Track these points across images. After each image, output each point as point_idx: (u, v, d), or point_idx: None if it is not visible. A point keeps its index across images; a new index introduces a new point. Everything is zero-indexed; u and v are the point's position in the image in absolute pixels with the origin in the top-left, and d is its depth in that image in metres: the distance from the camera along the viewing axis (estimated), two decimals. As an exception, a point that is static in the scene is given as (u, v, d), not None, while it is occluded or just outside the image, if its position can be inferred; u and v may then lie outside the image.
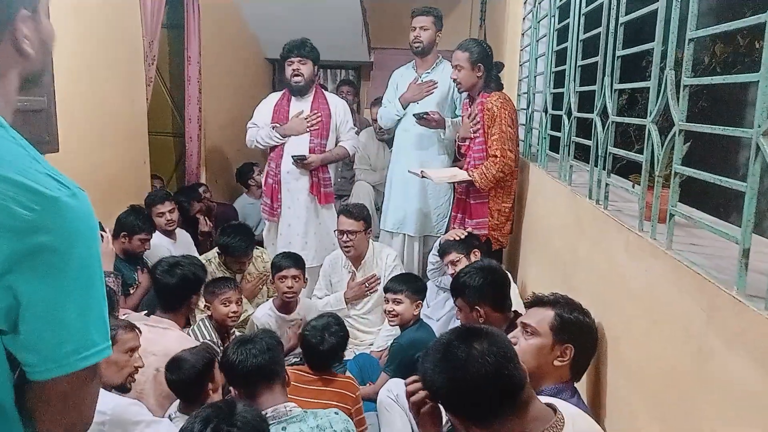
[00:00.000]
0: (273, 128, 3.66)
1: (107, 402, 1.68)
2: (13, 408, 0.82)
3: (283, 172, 3.68)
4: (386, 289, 2.79)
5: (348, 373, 2.74)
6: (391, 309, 2.72)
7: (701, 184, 1.39)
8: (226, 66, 5.25)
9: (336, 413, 1.85)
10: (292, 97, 3.72)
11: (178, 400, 2.09)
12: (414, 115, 3.63)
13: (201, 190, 4.29)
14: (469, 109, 3.35)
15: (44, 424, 0.83)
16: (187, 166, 4.67)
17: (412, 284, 2.75)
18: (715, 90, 1.33)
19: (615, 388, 1.72)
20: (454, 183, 3.42)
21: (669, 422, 1.35)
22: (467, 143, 3.33)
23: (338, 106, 3.78)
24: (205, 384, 2.00)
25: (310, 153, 3.63)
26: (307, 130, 3.63)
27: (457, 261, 2.80)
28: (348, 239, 3.24)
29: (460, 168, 3.39)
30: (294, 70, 3.60)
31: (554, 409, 1.25)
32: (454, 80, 3.30)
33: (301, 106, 3.69)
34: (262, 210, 3.83)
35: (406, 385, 1.42)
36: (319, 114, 3.64)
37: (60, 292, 0.78)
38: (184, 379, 1.98)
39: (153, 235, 3.50)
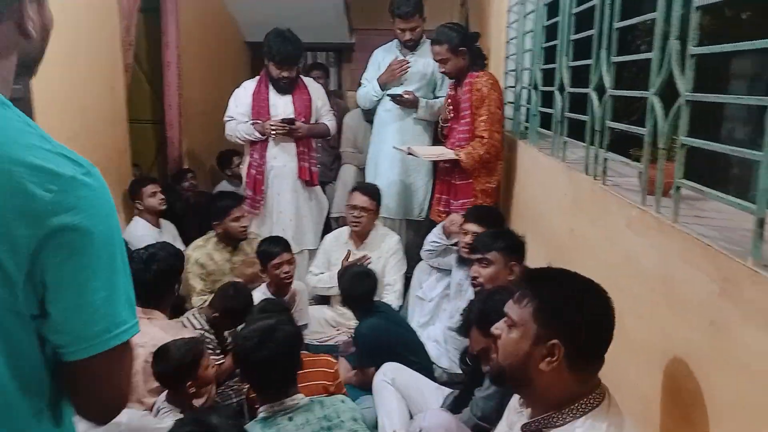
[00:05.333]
0: (253, 125, 3.58)
1: (120, 414, 1.66)
2: (47, 391, 0.83)
3: (269, 158, 3.61)
4: None
5: (341, 359, 2.76)
6: None
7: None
8: (205, 50, 5.13)
9: (342, 401, 1.83)
10: (271, 88, 3.63)
11: (165, 391, 2.08)
12: (388, 95, 3.64)
13: (189, 176, 4.23)
14: (457, 92, 3.30)
15: (82, 401, 0.86)
16: (169, 154, 4.57)
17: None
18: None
19: (620, 367, 1.71)
20: (438, 162, 3.39)
21: (680, 398, 1.35)
22: (449, 124, 3.30)
23: (316, 91, 3.77)
24: (185, 379, 1.97)
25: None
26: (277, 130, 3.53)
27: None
28: (359, 215, 3.31)
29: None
30: (284, 76, 3.54)
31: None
32: (444, 73, 3.29)
33: (281, 99, 3.62)
34: (245, 203, 3.67)
35: None
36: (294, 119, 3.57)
37: (85, 271, 0.77)
38: (165, 371, 1.98)
39: (138, 224, 3.44)
